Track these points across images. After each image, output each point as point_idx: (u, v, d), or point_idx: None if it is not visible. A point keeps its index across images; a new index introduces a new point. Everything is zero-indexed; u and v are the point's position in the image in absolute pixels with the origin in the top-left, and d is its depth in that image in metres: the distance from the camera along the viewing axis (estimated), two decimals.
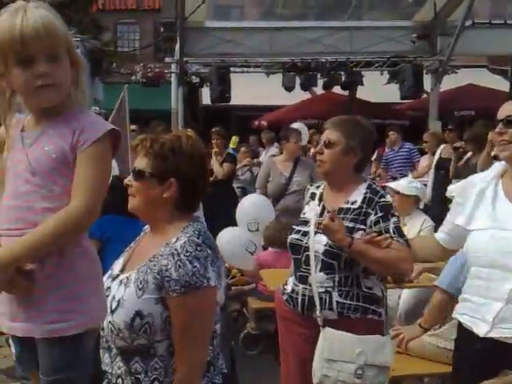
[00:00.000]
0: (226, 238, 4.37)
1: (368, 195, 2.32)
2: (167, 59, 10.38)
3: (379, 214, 2.27)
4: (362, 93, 11.61)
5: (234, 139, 9.70)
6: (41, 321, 1.36)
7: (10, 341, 1.89)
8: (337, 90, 11.09)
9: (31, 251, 1.32)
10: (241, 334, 4.42)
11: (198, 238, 1.58)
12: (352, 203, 2.33)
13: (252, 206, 4.98)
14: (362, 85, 10.37)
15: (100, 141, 1.37)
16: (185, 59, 9.68)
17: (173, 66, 9.98)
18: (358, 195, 2.34)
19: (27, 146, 1.39)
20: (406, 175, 6.66)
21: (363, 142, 2.37)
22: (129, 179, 1.67)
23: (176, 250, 1.54)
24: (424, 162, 7.73)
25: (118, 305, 1.57)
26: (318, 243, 2.31)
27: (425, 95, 10.68)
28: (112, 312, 1.57)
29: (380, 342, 2.25)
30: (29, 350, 1.43)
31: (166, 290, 1.52)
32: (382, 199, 2.31)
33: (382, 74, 10.61)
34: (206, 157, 1.71)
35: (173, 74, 10.04)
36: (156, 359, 1.57)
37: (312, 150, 9.17)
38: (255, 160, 8.74)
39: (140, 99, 13.20)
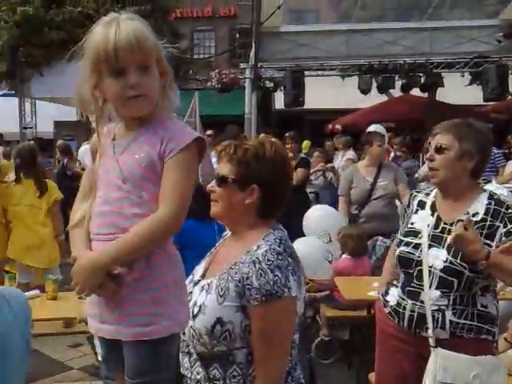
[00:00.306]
0: (304, 249, 4.29)
1: (492, 207, 2.14)
2: (242, 65, 10.49)
3: (510, 226, 2.09)
4: (441, 94, 11.20)
5: (306, 143, 9.66)
6: (127, 324, 1.39)
7: (96, 341, 1.97)
8: (415, 92, 10.77)
9: (121, 256, 1.36)
10: (314, 341, 4.36)
11: (279, 247, 1.56)
12: (473, 215, 2.15)
13: (320, 218, 4.92)
14: (443, 86, 10.00)
15: (186, 149, 1.39)
16: (259, 64, 9.75)
17: (247, 71, 10.08)
18: (479, 206, 2.16)
19: (118, 153, 1.43)
20: (489, 181, 6.29)
21: (478, 145, 2.18)
22: (212, 185, 1.68)
23: (257, 258, 1.53)
24: (510, 167, 7.31)
25: (199, 310, 1.58)
26: (435, 258, 2.16)
27: (510, 97, 10.13)
28: (193, 317, 1.58)
29: (494, 363, 2.11)
30: (115, 351, 1.46)
31: (247, 299, 1.51)
32: (510, 210, 2.13)
33: (462, 76, 10.18)
34: (288, 163, 1.69)
35: (247, 80, 10.14)
36: (235, 366, 1.57)
37: (392, 155, 8.96)
38: (329, 165, 8.63)
39: (214, 105, 13.46)
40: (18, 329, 0.98)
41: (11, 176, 6.64)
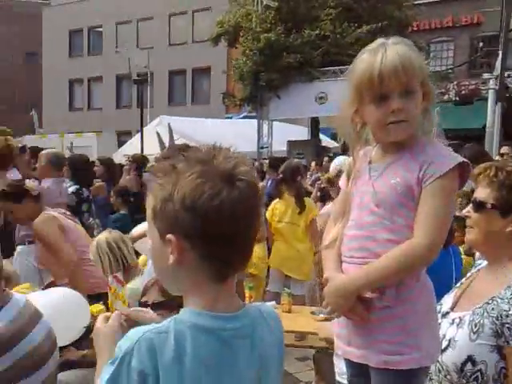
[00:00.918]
0: None
1: None
2: (485, 75, 9.72)
3: None
4: None
5: None
6: (375, 350, 1.36)
7: (335, 359, 1.98)
8: None
9: (373, 281, 1.34)
10: None
11: None
12: None
13: None
14: None
15: (448, 174, 1.30)
16: (506, 73, 8.90)
17: (491, 81, 9.31)
18: None
19: (374, 177, 1.40)
20: None
21: None
22: (467, 210, 1.57)
23: None
24: None
25: (448, 345, 1.48)
26: None
27: None
28: (441, 351, 1.48)
29: None
30: (361, 375, 1.44)
31: (506, 339, 1.37)
32: None
33: None
34: None
35: (490, 90, 9.36)
36: None
37: None
38: None
39: (451, 118, 12.75)
40: (275, 348, 1.03)
41: None
